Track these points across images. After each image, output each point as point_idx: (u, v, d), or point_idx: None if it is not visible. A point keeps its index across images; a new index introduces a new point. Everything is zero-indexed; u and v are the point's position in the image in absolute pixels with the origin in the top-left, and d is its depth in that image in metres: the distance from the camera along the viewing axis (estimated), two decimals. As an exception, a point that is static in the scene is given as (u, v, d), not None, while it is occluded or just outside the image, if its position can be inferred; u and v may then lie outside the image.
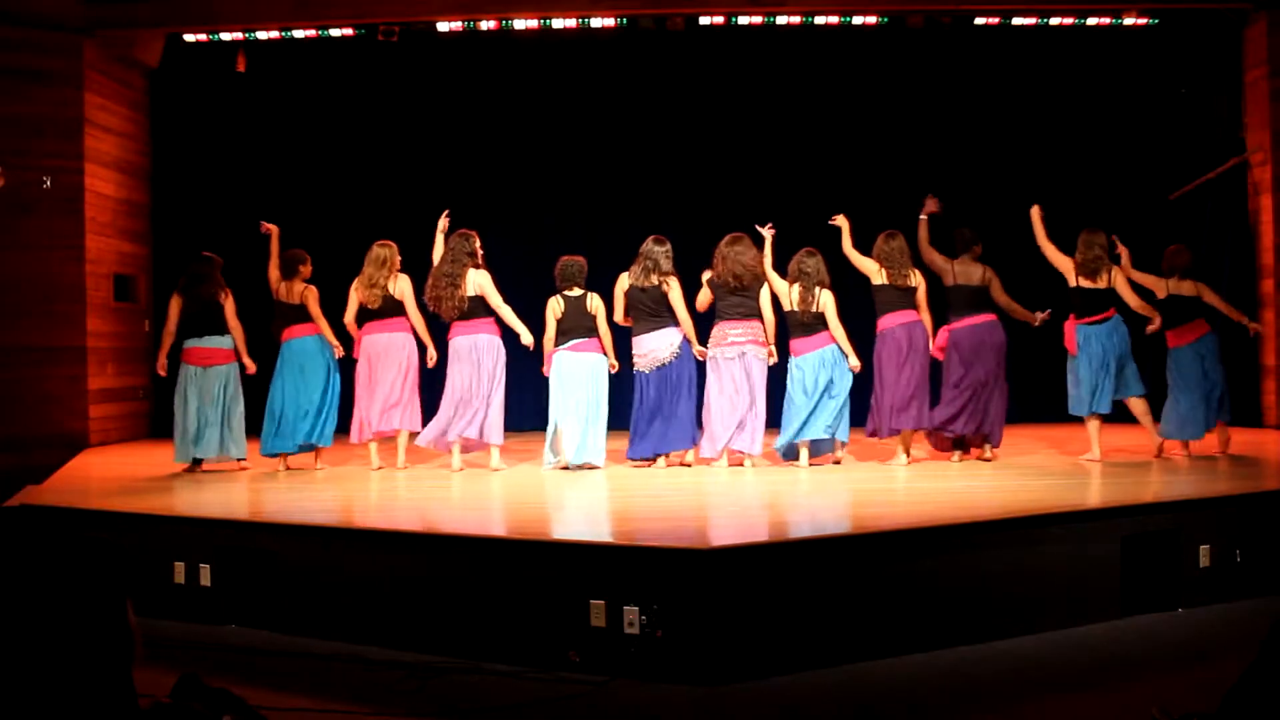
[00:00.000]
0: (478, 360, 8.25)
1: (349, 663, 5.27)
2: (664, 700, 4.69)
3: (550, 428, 8.30)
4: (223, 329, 8.38)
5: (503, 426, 8.36)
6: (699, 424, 8.37)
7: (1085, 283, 8.33)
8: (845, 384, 8.22)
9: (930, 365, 8.40)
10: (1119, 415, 8.51)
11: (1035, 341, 9.41)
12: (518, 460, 8.94)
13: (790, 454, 8.32)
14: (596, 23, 10.73)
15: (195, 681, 2.87)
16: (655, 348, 8.29)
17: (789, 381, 8.27)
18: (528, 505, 7.00)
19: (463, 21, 10.74)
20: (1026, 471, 7.86)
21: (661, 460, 8.29)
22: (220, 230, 10.62)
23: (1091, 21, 10.93)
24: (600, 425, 8.27)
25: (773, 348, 8.33)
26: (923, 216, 8.57)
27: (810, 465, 8.20)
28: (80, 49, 10.44)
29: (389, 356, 8.45)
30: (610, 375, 8.42)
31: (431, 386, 9.05)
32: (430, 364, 8.48)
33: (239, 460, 8.41)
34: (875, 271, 8.41)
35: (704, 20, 10.82)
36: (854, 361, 8.28)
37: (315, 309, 8.43)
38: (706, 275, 8.46)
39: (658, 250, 8.33)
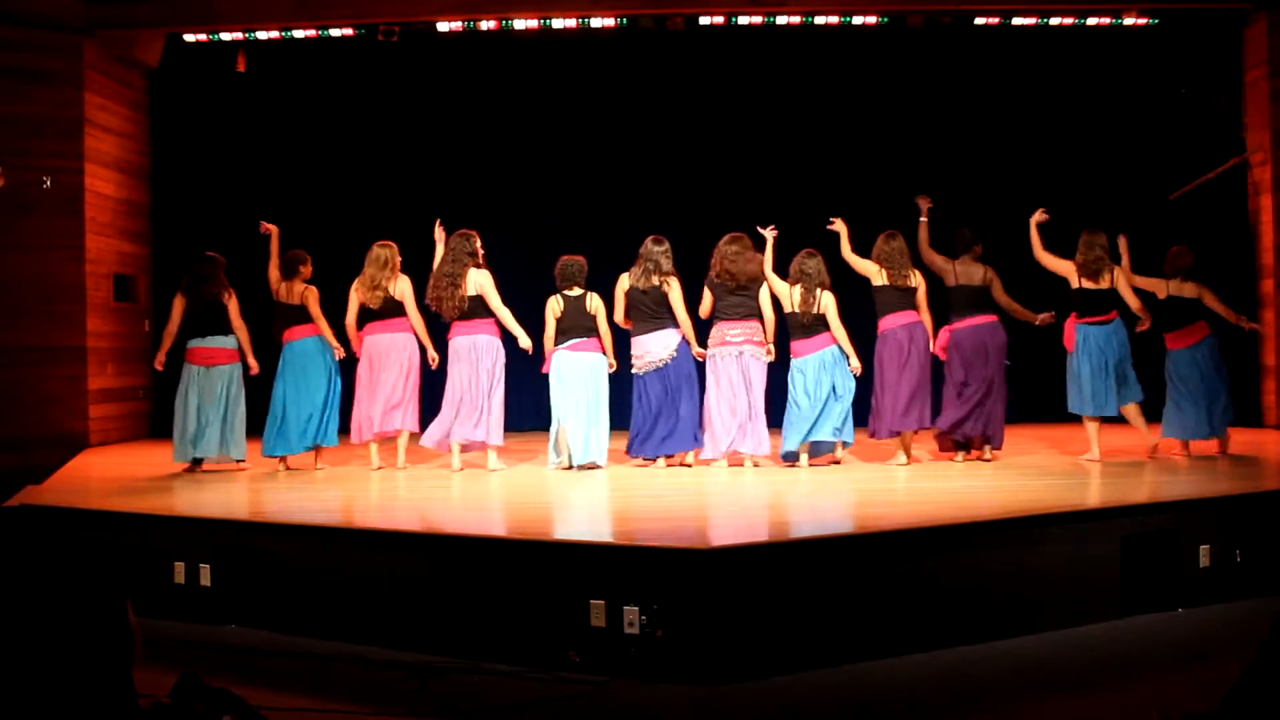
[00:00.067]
0: (477, 360, 8.25)
1: (349, 663, 5.27)
2: (664, 700, 4.69)
3: (553, 428, 8.30)
4: (226, 329, 8.38)
5: (503, 427, 8.36)
6: (700, 425, 8.36)
7: (1087, 284, 8.33)
8: (849, 385, 8.21)
9: (931, 366, 8.40)
10: (1118, 415, 8.51)
11: (1035, 341, 9.41)
12: (518, 460, 8.94)
13: (790, 455, 8.31)
14: (596, 23, 10.73)
15: (195, 681, 2.87)
16: (653, 349, 8.29)
17: (790, 385, 8.26)
18: (528, 505, 7.00)
19: (463, 21, 10.74)
20: (1026, 471, 7.86)
21: (662, 460, 8.29)
22: (220, 230, 10.61)
23: (1091, 21, 10.93)
24: (602, 425, 8.27)
25: (771, 346, 8.33)
26: (923, 219, 8.57)
27: (810, 466, 8.20)
28: (80, 49, 10.44)
29: (390, 357, 8.46)
30: (611, 375, 8.42)
31: (432, 387, 9.06)
32: (432, 365, 8.48)
33: (238, 461, 8.41)
34: (875, 273, 8.41)
35: (704, 20, 10.82)
36: (855, 363, 8.28)
37: (315, 309, 8.42)
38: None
39: (657, 251, 8.33)
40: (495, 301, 8.30)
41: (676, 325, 8.33)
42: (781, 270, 8.40)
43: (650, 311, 8.31)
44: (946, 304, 8.51)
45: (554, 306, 8.34)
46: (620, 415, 8.75)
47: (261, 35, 10.98)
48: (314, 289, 8.49)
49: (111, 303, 10.99)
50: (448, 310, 8.27)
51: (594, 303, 8.32)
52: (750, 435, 8.20)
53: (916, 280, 8.44)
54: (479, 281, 8.29)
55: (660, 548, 5.10)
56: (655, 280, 8.28)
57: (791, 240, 8.57)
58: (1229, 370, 8.62)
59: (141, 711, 2.55)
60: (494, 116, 11.89)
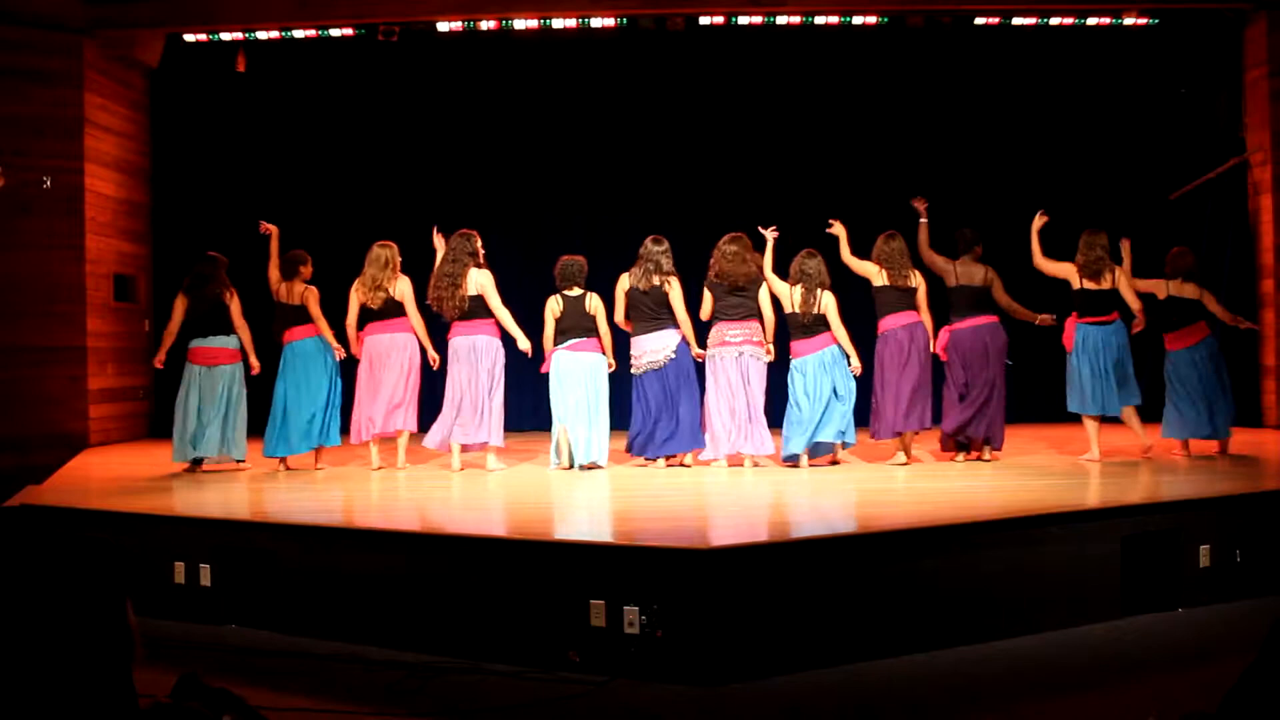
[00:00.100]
0: (476, 361, 8.25)
1: (349, 663, 5.27)
2: (664, 700, 4.68)
3: (554, 429, 8.30)
4: (228, 329, 8.38)
5: (503, 428, 8.36)
6: (701, 425, 8.35)
7: (1089, 284, 8.33)
8: (849, 386, 8.21)
9: (932, 366, 8.40)
10: (1118, 416, 8.50)
11: (1035, 341, 9.41)
12: (518, 460, 8.94)
13: (792, 456, 8.30)
14: (596, 23, 10.73)
15: (195, 681, 2.87)
16: (651, 349, 8.29)
17: (790, 386, 8.25)
18: (528, 505, 7.00)
19: (463, 21, 10.75)
20: (1026, 471, 7.86)
21: (662, 460, 8.29)
22: (220, 230, 10.62)
23: (1091, 21, 10.93)
24: (602, 425, 8.27)
25: (770, 346, 8.33)
26: (922, 220, 8.56)
27: (810, 466, 8.20)
28: (80, 49, 10.44)
29: (390, 357, 8.45)
30: (611, 375, 8.42)
31: (432, 387, 9.07)
32: (433, 366, 8.47)
33: (238, 461, 8.41)
34: (875, 273, 8.41)
35: (704, 20, 10.82)
36: (855, 363, 8.28)
37: (315, 310, 8.42)
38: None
39: (657, 251, 8.33)
40: (495, 302, 8.30)
41: (676, 326, 8.33)
42: (781, 270, 8.40)
43: (651, 312, 8.31)
44: (947, 304, 8.51)
45: (553, 307, 8.34)
46: (620, 415, 8.75)
47: (261, 35, 10.99)
48: (314, 289, 8.49)
49: (111, 303, 10.99)
50: (448, 310, 8.27)
51: (593, 303, 8.32)
52: (750, 436, 8.20)
53: (917, 280, 8.43)
54: (480, 281, 8.29)
55: (660, 548, 5.09)
56: (656, 280, 8.28)
57: (791, 240, 8.57)
58: (1229, 370, 8.62)
59: (141, 711, 2.55)
60: (494, 116, 11.89)
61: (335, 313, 8.63)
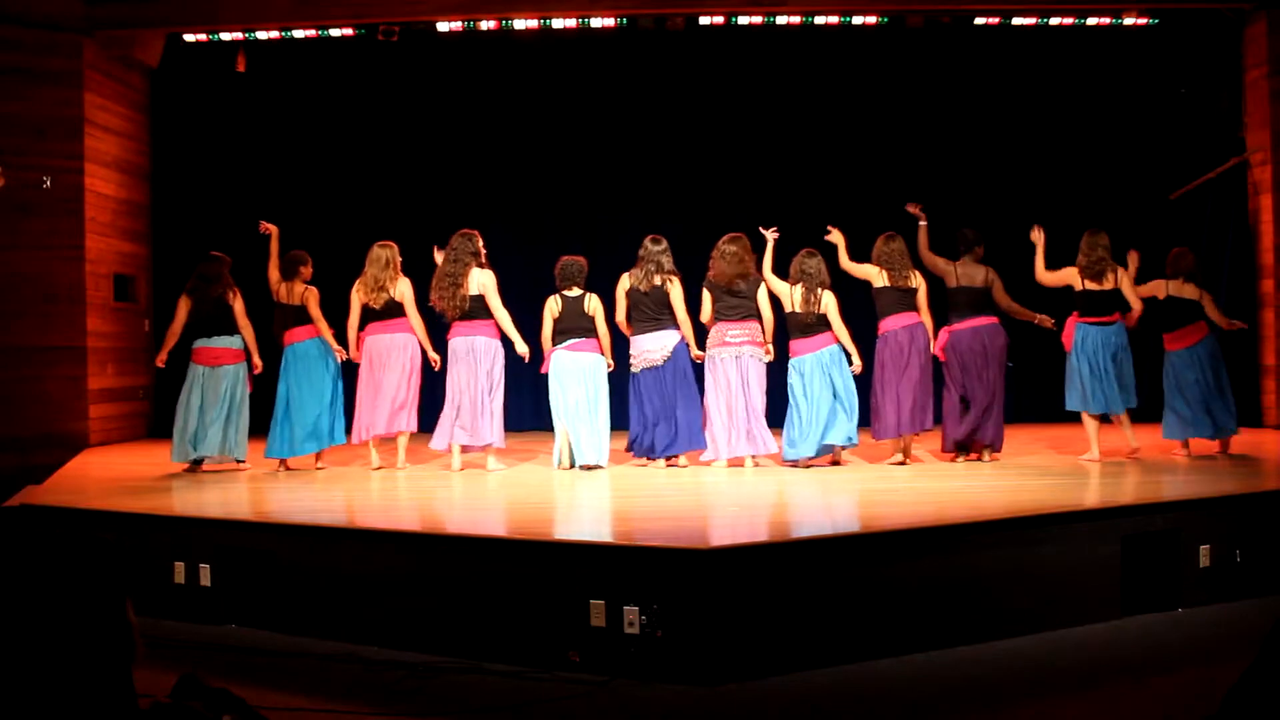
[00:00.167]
0: (475, 363, 8.24)
1: (349, 663, 5.27)
2: (664, 700, 4.68)
3: (556, 429, 8.30)
4: (232, 329, 8.38)
5: (503, 429, 8.36)
6: (701, 425, 8.35)
7: (1091, 285, 8.33)
8: (850, 386, 8.20)
9: (933, 367, 8.40)
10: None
11: (1035, 341, 9.41)
12: (518, 460, 8.94)
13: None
14: (596, 23, 10.73)
15: (195, 681, 2.87)
16: (649, 349, 8.28)
17: (790, 389, 8.24)
18: (528, 505, 7.00)
19: (463, 21, 10.74)
20: (1026, 471, 7.86)
21: (661, 461, 8.29)
22: (220, 230, 10.62)
23: (1091, 21, 10.94)
24: (602, 425, 8.27)
25: (770, 346, 8.33)
26: (922, 223, 8.55)
27: (811, 465, 8.19)
28: (80, 49, 10.43)
29: (391, 357, 8.45)
30: (610, 374, 8.42)
31: (432, 388, 9.07)
32: (435, 367, 8.47)
33: (239, 461, 8.41)
34: (875, 274, 8.41)
35: (704, 20, 10.82)
36: (856, 362, 8.28)
37: (315, 310, 8.42)
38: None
39: (657, 251, 8.33)
40: (496, 303, 8.29)
41: (676, 326, 8.33)
42: (781, 271, 8.40)
43: (651, 312, 8.31)
44: (947, 305, 8.51)
45: (552, 307, 8.34)
46: (620, 415, 8.75)
47: (261, 35, 10.99)
48: (314, 290, 8.49)
49: (111, 303, 10.99)
50: (449, 310, 8.26)
51: (592, 303, 8.32)
52: (750, 436, 8.20)
53: (917, 281, 8.43)
54: (482, 281, 8.28)
55: (660, 548, 5.09)
56: (657, 280, 8.27)
57: (791, 240, 8.57)
58: (1229, 370, 8.62)
59: (141, 711, 2.55)
60: (494, 116, 11.89)
61: (336, 313, 8.63)
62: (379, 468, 8.48)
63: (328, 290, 8.67)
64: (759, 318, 8.30)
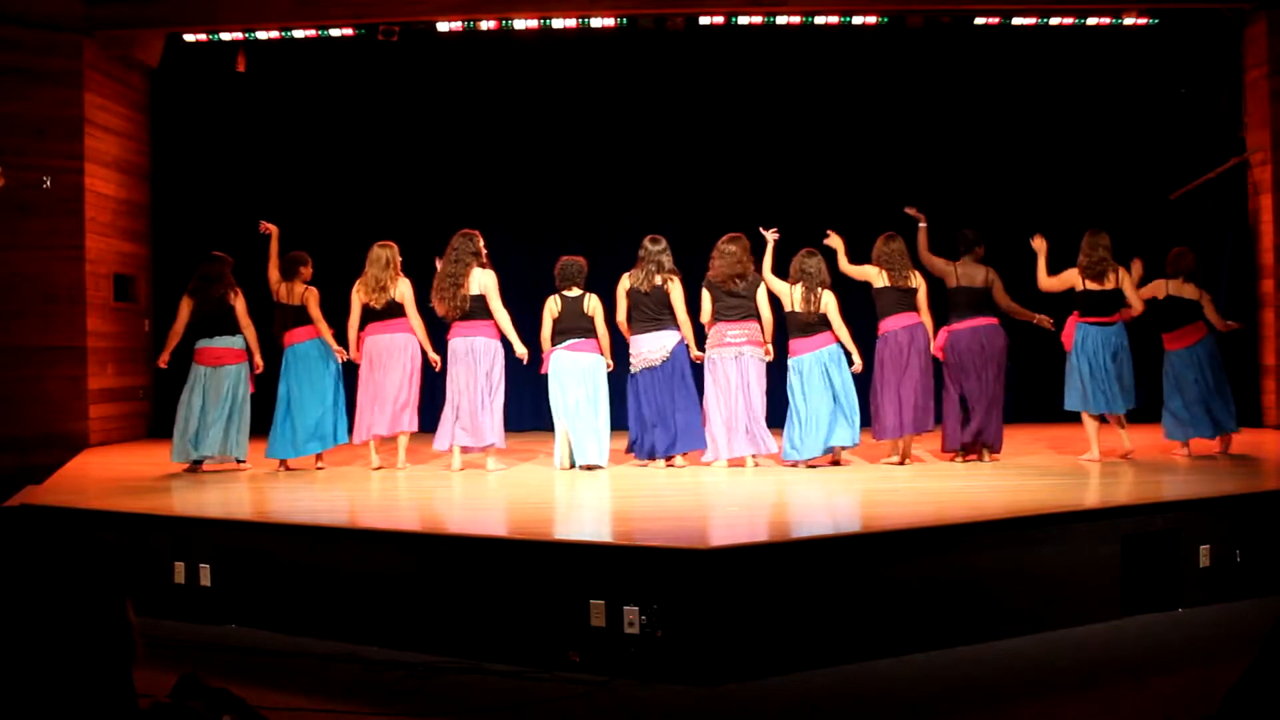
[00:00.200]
0: (474, 363, 8.24)
1: (349, 663, 5.27)
2: (664, 700, 4.68)
3: (557, 430, 8.30)
4: (234, 329, 8.38)
5: (503, 429, 8.36)
6: (701, 424, 8.35)
7: (1092, 285, 8.33)
8: (849, 386, 8.20)
9: (934, 367, 8.40)
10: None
11: (1035, 341, 9.41)
12: (518, 460, 8.94)
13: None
14: (596, 23, 10.73)
15: (195, 681, 2.87)
16: (648, 349, 8.28)
17: (789, 389, 8.24)
18: (528, 505, 7.00)
19: (463, 21, 10.74)
20: (1026, 471, 7.86)
21: (661, 461, 8.29)
22: (220, 230, 10.62)
23: (1091, 21, 10.94)
24: (602, 425, 8.27)
25: (769, 346, 8.33)
26: (921, 225, 8.54)
27: (810, 465, 8.19)
28: (80, 49, 10.43)
29: (391, 357, 8.45)
30: (610, 375, 8.41)
31: (432, 388, 9.07)
32: (435, 368, 8.47)
33: (239, 461, 8.40)
34: (876, 275, 8.41)
35: (704, 20, 10.82)
36: (856, 361, 8.28)
37: (315, 311, 8.41)
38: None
39: (656, 250, 8.33)
40: (496, 303, 8.29)
41: (677, 327, 8.32)
42: (780, 271, 8.40)
43: (652, 313, 8.30)
44: (947, 305, 8.50)
45: (551, 307, 8.34)
46: (620, 415, 8.75)
47: (261, 35, 10.99)
48: (314, 290, 8.49)
49: (111, 303, 10.99)
50: (450, 310, 8.25)
51: (592, 304, 8.32)
52: (750, 437, 8.19)
53: (917, 281, 8.43)
54: (483, 282, 8.28)
55: (660, 548, 5.09)
56: (658, 280, 8.27)
57: (791, 240, 8.57)
58: (1229, 369, 8.62)
59: (141, 711, 2.55)
60: (494, 116, 11.89)
61: (336, 313, 8.63)
62: (379, 468, 8.47)
63: (328, 290, 8.66)
64: (758, 318, 8.30)
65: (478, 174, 11.83)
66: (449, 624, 5.42)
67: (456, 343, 8.29)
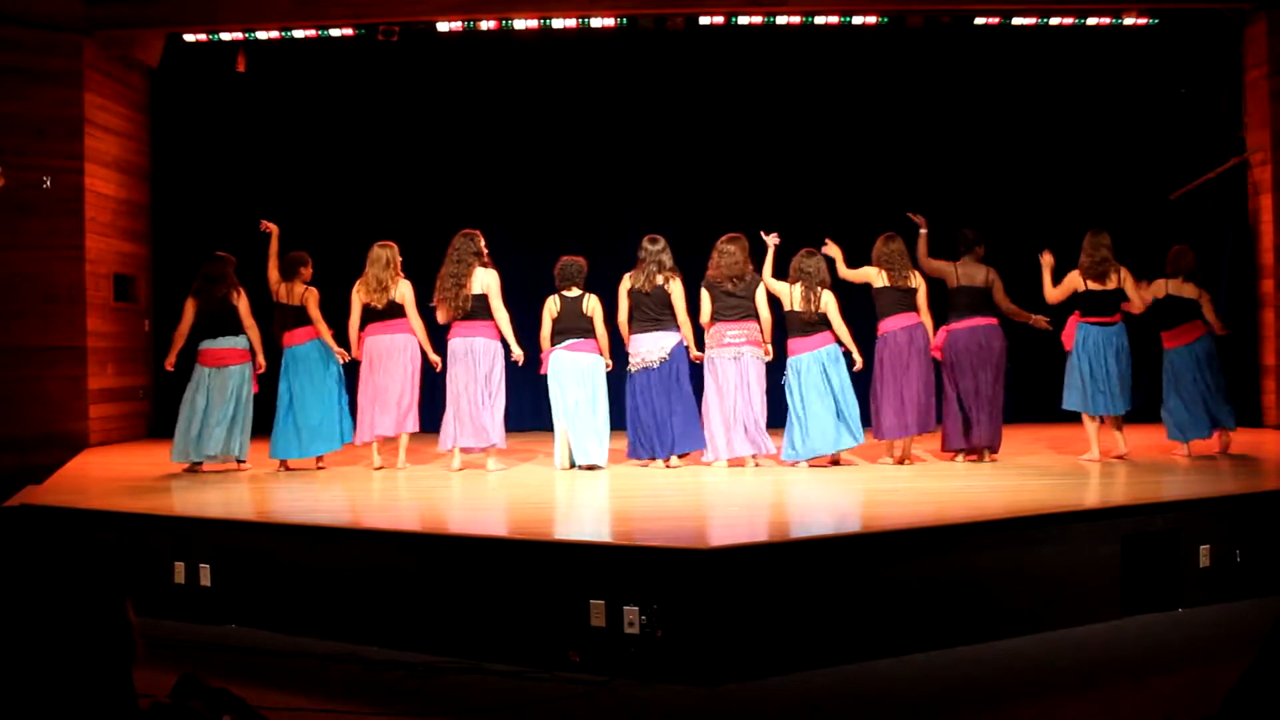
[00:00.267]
0: (474, 364, 8.23)
1: (349, 663, 5.27)
2: (664, 700, 4.68)
3: (557, 430, 8.30)
4: (237, 329, 8.37)
5: (503, 429, 8.35)
6: (700, 425, 8.34)
7: (1093, 285, 8.33)
8: (848, 387, 8.19)
9: (935, 367, 8.39)
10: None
11: (1034, 341, 9.40)
12: (518, 460, 8.94)
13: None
14: (596, 23, 10.73)
15: (195, 681, 2.87)
16: (647, 349, 8.27)
17: (788, 390, 8.23)
18: (528, 505, 7.00)
19: (463, 21, 10.74)
20: (1026, 471, 7.86)
21: (660, 461, 8.29)
22: (220, 230, 10.62)
23: (1091, 21, 10.94)
24: (601, 426, 8.27)
25: (769, 345, 8.33)
26: (922, 231, 8.53)
27: (810, 466, 8.20)
28: (80, 49, 10.43)
29: (392, 358, 8.44)
30: (610, 375, 8.41)
31: (432, 388, 9.07)
32: (436, 369, 8.46)
33: (239, 461, 8.40)
34: (875, 275, 8.40)
35: (704, 20, 10.82)
36: (857, 359, 8.27)
37: (315, 312, 8.41)
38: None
39: (656, 250, 8.32)
40: (497, 303, 8.29)
41: (676, 328, 8.32)
42: (780, 273, 8.39)
43: (653, 313, 8.30)
44: (947, 305, 8.50)
45: (551, 307, 8.35)
46: (620, 415, 8.75)
47: (261, 35, 10.99)
48: (314, 290, 8.48)
49: (111, 303, 10.99)
50: (452, 310, 8.24)
51: (591, 304, 8.32)
52: (750, 437, 8.19)
53: (917, 281, 8.43)
54: (486, 281, 8.27)
55: (660, 548, 5.09)
56: (659, 280, 8.26)
57: (791, 240, 8.57)
58: (1228, 369, 8.62)
59: (141, 711, 2.55)
60: (494, 116, 11.90)
61: (336, 313, 8.62)
62: (379, 468, 8.47)
63: (328, 290, 8.66)
64: (758, 318, 8.29)
65: (478, 174, 11.83)
66: (449, 624, 5.42)
67: (456, 343, 8.29)
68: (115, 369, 10.99)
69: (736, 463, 8.26)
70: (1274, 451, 8.85)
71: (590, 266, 8.55)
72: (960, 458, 8.41)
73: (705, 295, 8.34)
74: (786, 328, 8.33)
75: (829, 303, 8.22)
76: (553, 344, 8.32)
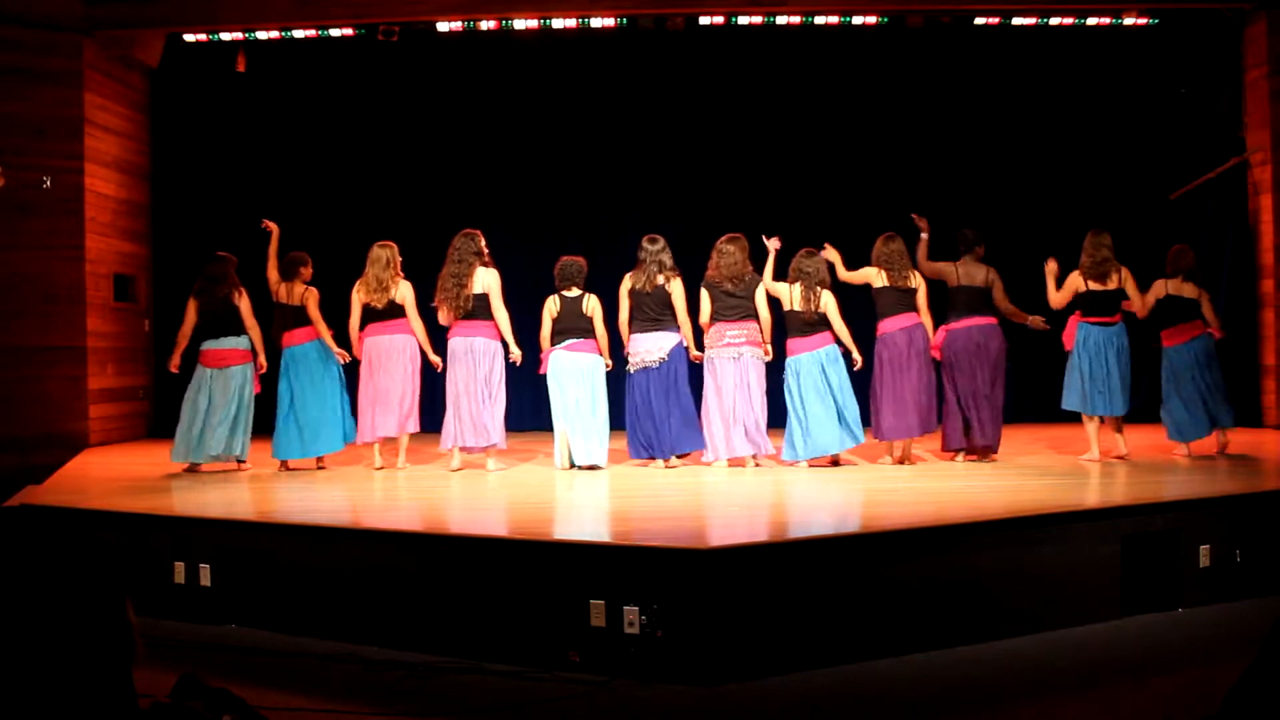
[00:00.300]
0: (474, 364, 8.23)
1: (349, 663, 5.27)
2: (664, 700, 4.68)
3: (556, 430, 8.29)
4: (239, 329, 8.37)
5: (504, 429, 8.35)
6: (699, 425, 8.34)
7: (1094, 285, 8.33)
8: (847, 387, 8.19)
9: (935, 368, 8.39)
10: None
11: (1034, 341, 9.41)
12: (518, 460, 8.94)
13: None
14: (596, 23, 10.73)
15: (195, 681, 2.87)
16: (646, 348, 8.27)
17: (787, 391, 8.23)
18: (528, 505, 7.00)
19: (463, 21, 10.74)
20: (1026, 471, 7.85)
21: (660, 461, 8.28)
22: (220, 230, 10.63)
23: (1091, 21, 10.94)
24: (601, 425, 8.27)
25: (768, 345, 8.33)
26: (923, 236, 8.52)
27: (810, 466, 8.20)
28: (80, 49, 10.43)
29: (391, 360, 8.44)
30: (610, 375, 8.41)
31: (432, 388, 9.07)
32: (437, 369, 8.46)
33: (239, 461, 8.39)
34: (875, 275, 8.40)
35: (704, 20, 10.82)
36: (856, 357, 8.27)
37: (315, 312, 8.41)
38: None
39: (655, 250, 8.31)
40: (498, 303, 8.28)
41: (677, 328, 8.32)
42: (781, 275, 8.38)
43: (653, 313, 8.30)
44: (948, 305, 8.49)
45: (551, 307, 8.35)
46: (620, 415, 8.75)
47: (261, 35, 10.98)
48: (314, 291, 8.48)
49: (111, 303, 10.99)
50: (453, 310, 8.24)
51: (591, 304, 8.31)
52: (750, 437, 8.19)
53: (917, 281, 8.42)
54: (487, 281, 8.27)
55: (660, 548, 5.09)
56: (660, 279, 8.26)
57: (791, 240, 8.56)
58: (1228, 369, 8.62)
59: (141, 711, 2.55)
60: (494, 116, 11.89)
61: (336, 313, 8.62)
62: (380, 468, 8.47)
63: (328, 290, 8.66)
64: (757, 318, 8.29)
65: (478, 174, 11.82)
66: (449, 624, 5.42)
67: (456, 342, 8.28)
68: (115, 369, 10.99)
69: (736, 463, 8.26)
70: (1274, 451, 8.85)
71: (590, 266, 8.55)
72: (960, 458, 8.42)
73: (705, 295, 8.33)
74: (786, 328, 8.33)
75: (829, 303, 8.21)
76: (552, 344, 8.32)
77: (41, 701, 2.38)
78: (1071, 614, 5.69)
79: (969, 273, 8.39)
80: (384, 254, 8.46)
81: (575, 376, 8.25)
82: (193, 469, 8.29)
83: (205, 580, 6.10)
